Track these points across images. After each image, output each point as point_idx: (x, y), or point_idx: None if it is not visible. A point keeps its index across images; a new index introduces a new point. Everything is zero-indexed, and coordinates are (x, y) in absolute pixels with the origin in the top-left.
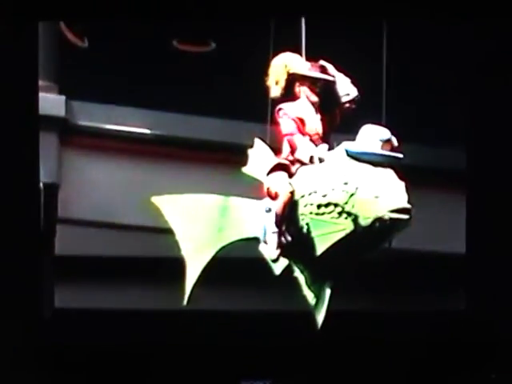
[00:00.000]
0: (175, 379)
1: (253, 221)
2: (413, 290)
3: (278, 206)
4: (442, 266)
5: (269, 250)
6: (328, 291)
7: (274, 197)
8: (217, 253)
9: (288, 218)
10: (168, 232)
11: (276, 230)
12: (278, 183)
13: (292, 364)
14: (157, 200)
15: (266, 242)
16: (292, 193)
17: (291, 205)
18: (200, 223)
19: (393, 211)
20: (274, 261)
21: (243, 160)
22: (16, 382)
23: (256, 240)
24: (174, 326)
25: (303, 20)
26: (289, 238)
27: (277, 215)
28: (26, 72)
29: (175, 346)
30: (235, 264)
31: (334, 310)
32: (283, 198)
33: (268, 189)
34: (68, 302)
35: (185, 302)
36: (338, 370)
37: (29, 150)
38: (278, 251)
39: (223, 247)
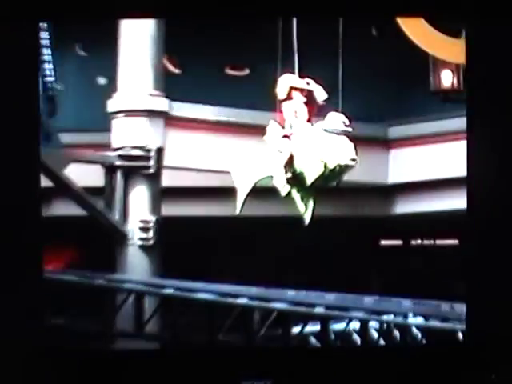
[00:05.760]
0: (176, 380)
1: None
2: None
3: (283, 159)
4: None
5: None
6: (312, 203)
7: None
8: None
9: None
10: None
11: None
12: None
13: (292, 364)
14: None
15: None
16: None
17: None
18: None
19: (350, 160)
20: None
21: (265, 132)
22: None
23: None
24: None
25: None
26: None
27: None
28: (26, 71)
29: (175, 347)
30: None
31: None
32: (286, 157)
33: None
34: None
35: (238, 210)
36: (338, 371)
37: (27, 148)
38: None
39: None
